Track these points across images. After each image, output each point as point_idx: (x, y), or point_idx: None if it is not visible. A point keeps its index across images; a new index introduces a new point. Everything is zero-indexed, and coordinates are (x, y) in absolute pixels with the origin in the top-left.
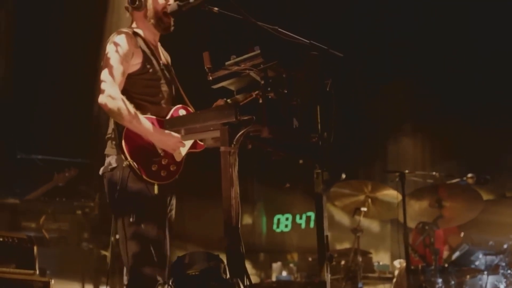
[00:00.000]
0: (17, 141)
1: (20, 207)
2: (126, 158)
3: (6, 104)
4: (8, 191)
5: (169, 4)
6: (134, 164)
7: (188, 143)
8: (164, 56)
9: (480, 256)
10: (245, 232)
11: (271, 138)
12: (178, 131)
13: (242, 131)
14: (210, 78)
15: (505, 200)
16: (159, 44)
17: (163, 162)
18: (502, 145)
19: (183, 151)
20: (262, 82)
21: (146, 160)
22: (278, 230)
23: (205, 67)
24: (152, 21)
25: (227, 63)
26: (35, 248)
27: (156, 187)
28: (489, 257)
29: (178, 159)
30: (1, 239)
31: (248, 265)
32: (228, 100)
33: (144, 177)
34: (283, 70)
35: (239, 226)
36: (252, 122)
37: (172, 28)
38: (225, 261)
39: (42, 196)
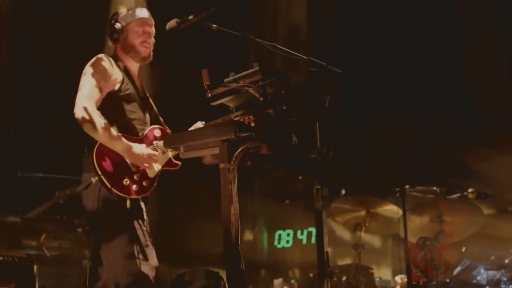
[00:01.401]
0: (17, 159)
1: (20, 225)
2: (97, 173)
3: (7, 123)
4: (8, 210)
5: (146, 40)
6: (104, 179)
7: (163, 160)
8: (142, 86)
9: (482, 271)
10: (246, 248)
11: (271, 155)
12: (177, 148)
13: (241, 148)
14: (209, 95)
15: (506, 215)
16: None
17: (135, 177)
18: (502, 159)
19: (156, 168)
20: (261, 98)
21: (117, 175)
22: (279, 246)
23: (204, 84)
24: (129, 53)
25: (226, 80)
26: (35, 267)
27: (128, 202)
28: (490, 272)
29: (151, 175)
30: (0, 258)
31: (249, 282)
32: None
33: (115, 191)
34: (282, 86)
35: (239, 242)
36: (251, 138)
37: (150, 59)
38: (225, 278)
39: (43, 214)
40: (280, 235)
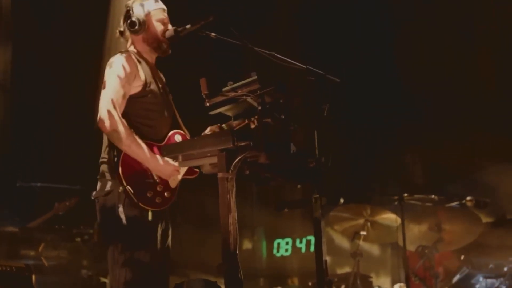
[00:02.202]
0: (16, 169)
1: (19, 235)
2: (122, 184)
3: (5, 131)
4: (7, 219)
5: (168, 29)
6: (130, 190)
7: (183, 169)
8: (162, 79)
9: (481, 279)
10: (245, 257)
11: (269, 164)
12: (175, 158)
13: (239, 157)
14: (208, 104)
15: (505, 223)
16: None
17: (158, 189)
18: (501, 167)
19: (178, 177)
20: (259, 107)
21: (141, 186)
22: (278, 255)
23: (202, 94)
24: (151, 45)
25: (224, 89)
26: (33, 277)
27: (150, 214)
28: (489, 280)
29: (172, 185)
30: None
31: None
32: (224, 125)
33: (139, 203)
34: (280, 95)
35: (237, 252)
36: (249, 148)
37: (170, 51)
38: None
39: (41, 224)
40: (279, 244)
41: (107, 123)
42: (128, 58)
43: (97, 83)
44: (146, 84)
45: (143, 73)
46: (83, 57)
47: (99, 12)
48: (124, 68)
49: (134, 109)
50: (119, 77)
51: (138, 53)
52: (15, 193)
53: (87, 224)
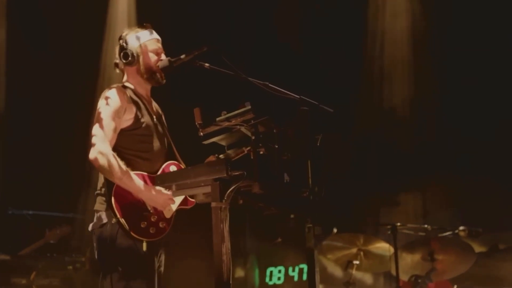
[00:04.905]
0: (7, 197)
1: (10, 264)
2: (115, 215)
3: None
4: None
5: (161, 59)
6: (123, 221)
7: (178, 199)
8: (157, 110)
9: None
10: (237, 284)
11: (262, 193)
12: (169, 187)
13: (233, 187)
14: (201, 134)
15: (497, 253)
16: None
17: (152, 219)
18: (495, 196)
19: (173, 207)
20: (253, 137)
21: (135, 217)
22: (270, 283)
23: (196, 123)
24: (145, 76)
25: (218, 118)
26: None
27: (144, 244)
28: None
29: (167, 216)
30: None
31: None
32: (221, 156)
33: (133, 234)
34: (274, 125)
35: (230, 281)
36: (243, 177)
37: (164, 81)
38: None
39: (33, 252)
40: (271, 272)
41: (97, 158)
42: (119, 92)
43: (90, 111)
44: (137, 117)
45: (134, 106)
46: (75, 88)
47: (93, 41)
48: (115, 102)
49: (127, 142)
50: (110, 111)
51: (131, 85)
52: (6, 221)
53: (79, 252)
